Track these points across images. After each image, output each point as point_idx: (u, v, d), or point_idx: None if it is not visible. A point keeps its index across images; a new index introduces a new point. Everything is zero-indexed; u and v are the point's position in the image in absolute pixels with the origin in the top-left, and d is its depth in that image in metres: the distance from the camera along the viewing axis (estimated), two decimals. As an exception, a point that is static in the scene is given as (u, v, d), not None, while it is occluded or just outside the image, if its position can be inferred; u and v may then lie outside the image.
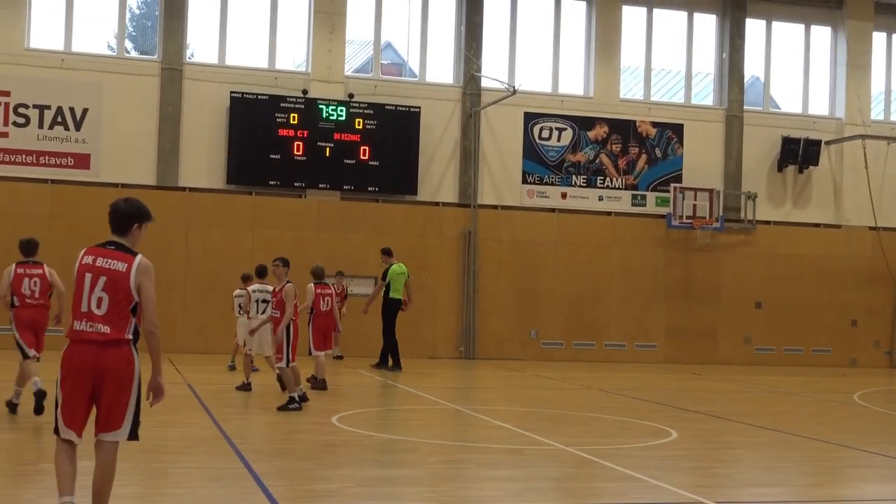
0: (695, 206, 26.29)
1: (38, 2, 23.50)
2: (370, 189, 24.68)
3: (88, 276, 6.53)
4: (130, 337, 6.53)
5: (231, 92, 23.83)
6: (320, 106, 24.29)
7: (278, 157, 24.03)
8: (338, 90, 24.64)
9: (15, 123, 22.87)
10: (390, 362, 20.78)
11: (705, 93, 28.40)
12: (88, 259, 6.61)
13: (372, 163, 24.58)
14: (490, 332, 25.43)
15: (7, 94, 22.82)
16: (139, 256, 6.65)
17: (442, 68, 26.16)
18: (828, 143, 27.78)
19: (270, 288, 15.80)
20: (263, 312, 16.18)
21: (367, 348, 22.64)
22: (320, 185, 24.35)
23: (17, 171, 22.84)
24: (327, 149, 24.30)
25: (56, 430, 6.54)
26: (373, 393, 16.96)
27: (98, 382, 6.43)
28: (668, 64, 28.43)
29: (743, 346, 27.08)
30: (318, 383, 16.18)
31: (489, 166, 25.77)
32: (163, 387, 6.65)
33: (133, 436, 6.59)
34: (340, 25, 24.72)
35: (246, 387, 15.71)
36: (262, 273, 16.81)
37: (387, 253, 21.20)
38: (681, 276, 26.75)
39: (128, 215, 6.79)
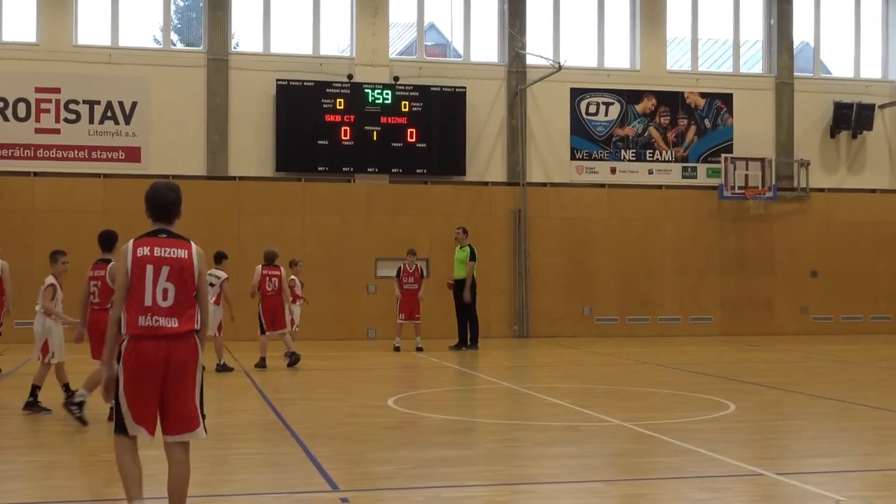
0: (746, 175, 25.99)
1: (84, -2, 23.78)
2: (418, 171, 24.70)
3: (150, 268, 6.24)
4: (197, 327, 6.33)
5: (277, 80, 23.94)
6: (366, 90, 24.33)
7: (326, 142, 24.12)
8: (383, 73, 24.65)
9: (66, 120, 23.18)
10: (468, 341, 21.16)
11: (754, 61, 28.02)
12: (145, 250, 6.30)
13: (419, 145, 24.59)
14: (543, 309, 25.38)
15: (57, 90, 23.13)
16: (193, 243, 6.46)
17: (486, 47, 26.07)
18: (881, 106, 27.28)
19: (222, 274, 16.76)
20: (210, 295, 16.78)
21: (443, 330, 22.85)
22: (369, 170, 24.41)
23: (71, 167, 23.16)
24: (374, 133, 24.34)
25: (120, 430, 6.31)
26: (428, 374, 17.02)
27: (168, 378, 6.18)
28: (715, 33, 28.06)
29: (799, 316, 26.78)
30: (261, 361, 17.07)
31: (537, 144, 25.67)
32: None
33: (201, 428, 6.36)
34: (383, 8, 24.71)
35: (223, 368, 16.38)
36: (217, 259, 17.18)
37: (465, 232, 21.39)
38: (734, 248, 26.49)
39: (175, 201, 6.54)
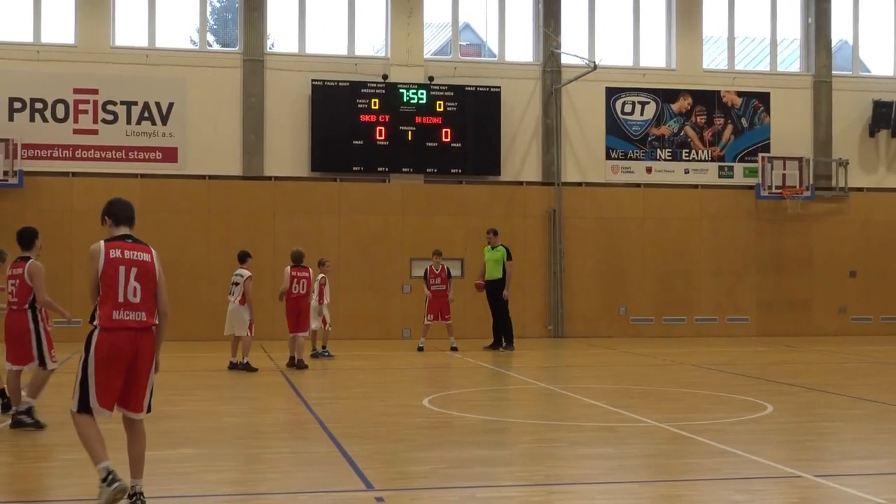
0: (784, 175, 25.78)
1: (121, 0, 23.94)
2: (453, 171, 24.69)
3: (122, 269, 7.05)
4: (156, 322, 7.16)
5: (312, 80, 24.02)
6: (401, 90, 24.36)
7: (361, 142, 24.17)
8: (418, 73, 24.67)
9: (104, 120, 23.39)
10: (503, 342, 21.09)
11: (791, 59, 27.79)
12: (117, 252, 7.09)
13: (454, 145, 24.58)
14: (578, 310, 25.30)
15: (95, 91, 23.34)
16: (151, 247, 7.28)
17: (521, 47, 26.03)
18: (922, 105, 26.98)
19: (245, 273, 16.83)
20: (233, 294, 16.91)
21: (477, 330, 22.88)
22: (403, 169, 24.44)
23: (109, 167, 23.36)
24: (409, 132, 24.37)
25: (83, 409, 7.00)
26: (463, 374, 17.01)
27: (133, 365, 7.01)
28: (751, 31, 27.84)
29: (838, 317, 26.53)
30: (298, 362, 16.94)
31: (572, 143, 25.59)
32: (159, 363, 7.30)
33: (149, 408, 7.24)
34: (418, 8, 24.73)
35: (236, 366, 16.48)
36: (241, 258, 17.27)
37: (496, 233, 21.37)
38: (771, 248, 26.28)
39: (133, 210, 7.40)
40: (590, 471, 8.68)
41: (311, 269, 17.75)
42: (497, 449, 9.68)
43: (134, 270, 7.06)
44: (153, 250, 7.25)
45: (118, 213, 7.30)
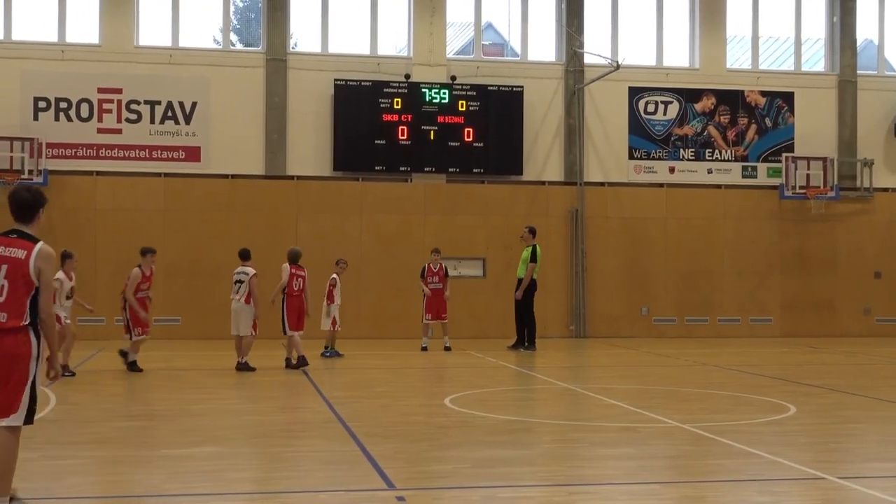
0: (808, 175, 25.63)
1: (145, 0, 24.05)
2: (475, 170, 24.68)
3: None
4: (27, 322, 6.67)
5: (335, 79, 24.06)
6: (423, 89, 24.37)
7: (383, 142, 24.20)
8: (440, 73, 24.67)
9: (127, 120, 23.50)
10: (525, 342, 21.03)
11: (816, 58, 27.62)
12: None
13: (476, 144, 24.57)
14: (600, 310, 25.24)
15: (119, 91, 23.46)
16: (40, 243, 6.78)
17: (544, 46, 25.98)
18: (947, 105, 26.77)
19: (251, 270, 16.67)
20: (238, 293, 16.69)
21: (497, 330, 22.84)
22: (426, 169, 24.45)
23: (132, 167, 23.48)
24: (431, 132, 24.37)
25: None
26: (484, 374, 16.99)
27: None
28: (776, 31, 27.69)
29: (862, 318, 26.34)
30: (300, 360, 16.78)
31: (594, 143, 25.53)
32: (54, 368, 6.93)
33: (28, 420, 6.72)
34: (441, 8, 24.73)
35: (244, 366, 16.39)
36: (244, 256, 17.14)
37: (533, 232, 21.29)
38: (795, 248, 26.14)
39: (33, 203, 6.90)
40: (611, 471, 8.66)
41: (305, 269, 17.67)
42: (519, 449, 9.67)
43: (4, 268, 6.64)
44: (39, 247, 6.73)
45: (10, 205, 6.88)
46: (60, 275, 14.85)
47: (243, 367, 16.30)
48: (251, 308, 16.55)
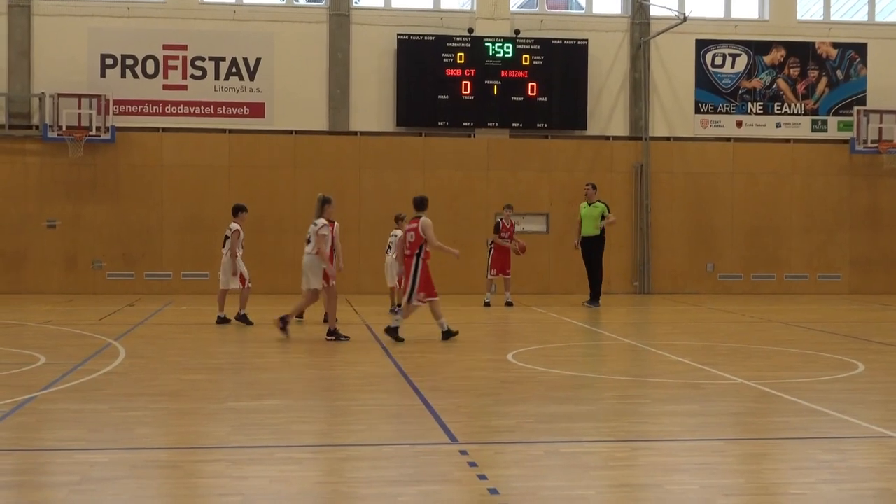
0: (881, 129, 25.07)
1: (209, -44, 24.14)
2: (539, 125, 24.50)
3: None
4: None
5: (398, 34, 23.98)
6: (487, 44, 24.18)
7: (446, 97, 24.10)
8: (504, 27, 24.46)
9: (192, 76, 23.67)
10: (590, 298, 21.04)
11: (890, 9, 26.88)
12: None
13: (540, 99, 24.37)
14: (664, 266, 25.03)
15: (184, 47, 23.62)
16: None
17: (609, -1, 25.64)
18: None
19: (234, 226, 16.60)
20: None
21: (560, 286, 22.74)
22: (489, 124, 24.33)
23: (198, 122, 23.68)
24: (495, 87, 24.21)
25: None
26: (547, 329, 16.97)
27: None
28: (849, -20, 27.03)
29: (935, 275, 25.81)
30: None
31: (660, 97, 25.19)
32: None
33: None
34: (504, -39, 24.47)
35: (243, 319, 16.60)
36: (234, 212, 16.95)
37: (595, 188, 21.30)
38: (866, 203, 25.63)
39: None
40: (674, 427, 8.61)
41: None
42: (581, 404, 9.65)
43: None
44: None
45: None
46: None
47: (241, 319, 16.51)
48: (239, 262, 16.65)
